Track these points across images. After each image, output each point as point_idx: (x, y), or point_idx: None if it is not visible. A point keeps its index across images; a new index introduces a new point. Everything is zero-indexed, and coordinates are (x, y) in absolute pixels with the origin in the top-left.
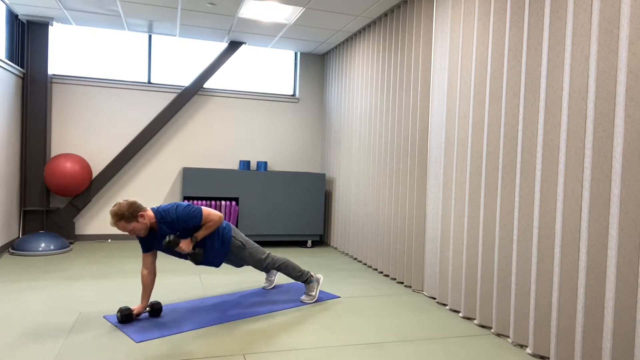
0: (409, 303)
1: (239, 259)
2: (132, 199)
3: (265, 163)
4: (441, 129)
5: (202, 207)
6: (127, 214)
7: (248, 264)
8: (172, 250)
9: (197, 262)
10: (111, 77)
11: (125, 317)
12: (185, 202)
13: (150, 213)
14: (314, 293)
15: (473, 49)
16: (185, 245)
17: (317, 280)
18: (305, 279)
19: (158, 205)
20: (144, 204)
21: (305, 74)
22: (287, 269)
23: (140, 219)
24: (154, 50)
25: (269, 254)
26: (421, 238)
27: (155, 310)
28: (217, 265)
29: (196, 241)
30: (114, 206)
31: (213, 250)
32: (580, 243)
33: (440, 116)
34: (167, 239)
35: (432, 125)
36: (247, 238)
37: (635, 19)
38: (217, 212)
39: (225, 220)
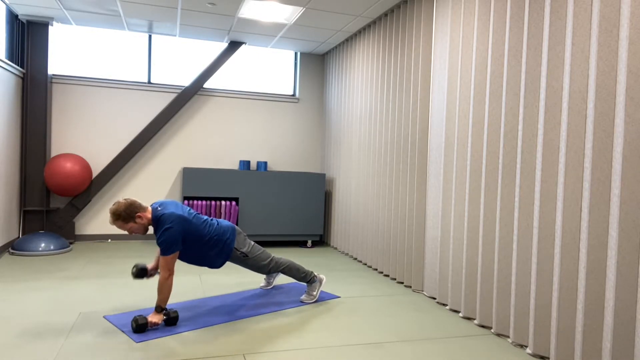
0: (409, 303)
1: (240, 265)
2: (132, 198)
3: (265, 163)
4: (441, 129)
5: (173, 254)
6: (124, 214)
7: (251, 270)
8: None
9: (176, 322)
10: (111, 77)
11: (141, 327)
12: (179, 221)
13: (148, 214)
14: (315, 293)
15: (473, 49)
16: (154, 318)
17: (320, 281)
18: (309, 279)
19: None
20: (144, 204)
21: (305, 74)
22: (292, 271)
23: (138, 220)
24: (154, 50)
25: (272, 257)
26: (421, 238)
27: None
28: (217, 267)
29: (161, 310)
30: (114, 204)
31: (211, 255)
32: (580, 243)
33: (440, 116)
34: (133, 324)
35: (432, 125)
36: (252, 243)
37: (635, 19)
38: (169, 271)
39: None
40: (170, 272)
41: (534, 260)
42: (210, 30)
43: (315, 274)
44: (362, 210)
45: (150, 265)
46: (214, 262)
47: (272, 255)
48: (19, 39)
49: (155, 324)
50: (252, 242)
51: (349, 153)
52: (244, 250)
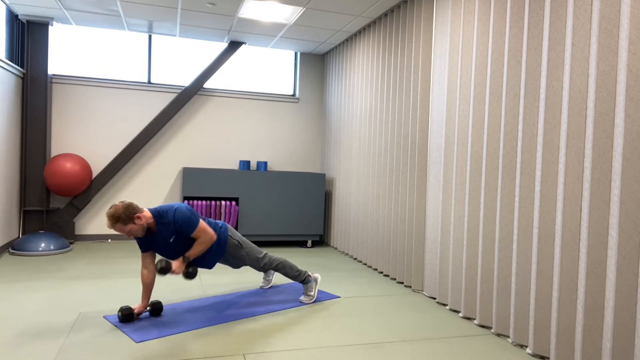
0: (409, 303)
1: (236, 259)
2: (128, 200)
3: (265, 163)
4: (441, 129)
5: (201, 221)
6: (123, 216)
7: (245, 264)
8: (169, 254)
9: (191, 279)
10: (111, 77)
11: (127, 317)
12: (185, 204)
13: (147, 214)
14: (312, 293)
15: (473, 49)
16: (177, 266)
17: (315, 280)
18: (302, 278)
19: (157, 205)
20: (143, 204)
21: (305, 74)
22: (285, 268)
23: (137, 221)
24: (154, 50)
25: (266, 253)
26: (421, 238)
27: (156, 309)
28: (210, 266)
29: (188, 261)
30: (110, 208)
31: (209, 250)
32: (580, 243)
33: (440, 116)
34: (159, 265)
35: (432, 125)
36: (245, 238)
37: (635, 19)
38: (211, 230)
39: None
40: (213, 234)
41: (534, 260)
42: (210, 30)
43: (310, 273)
44: (362, 210)
45: (138, 306)
46: (212, 258)
47: (265, 251)
48: (19, 39)
49: (176, 272)
50: (245, 239)
51: (349, 153)
52: (238, 239)
